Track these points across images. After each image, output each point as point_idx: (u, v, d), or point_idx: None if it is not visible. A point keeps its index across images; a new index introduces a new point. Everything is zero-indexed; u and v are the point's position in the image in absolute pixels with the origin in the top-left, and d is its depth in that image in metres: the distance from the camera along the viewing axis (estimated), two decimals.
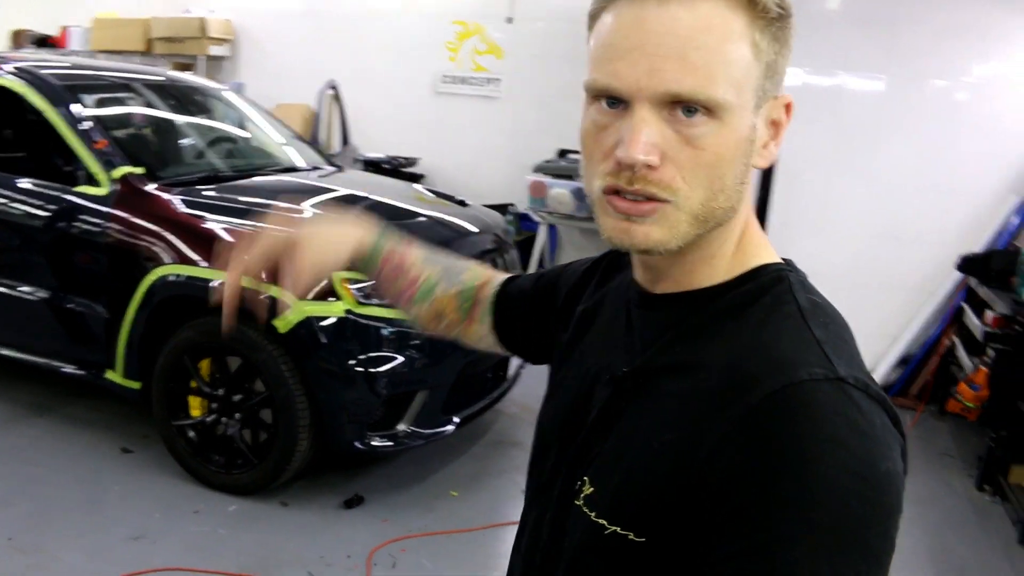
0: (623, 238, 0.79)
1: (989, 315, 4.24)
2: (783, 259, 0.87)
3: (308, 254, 1.06)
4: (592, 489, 0.83)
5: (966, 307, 4.70)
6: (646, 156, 0.74)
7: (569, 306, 1.09)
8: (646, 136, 0.74)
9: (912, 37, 5.11)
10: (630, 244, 0.79)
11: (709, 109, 0.74)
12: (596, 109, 0.79)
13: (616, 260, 1.06)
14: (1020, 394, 3.80)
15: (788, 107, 0.83)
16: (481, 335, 1.25)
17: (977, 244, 5.07)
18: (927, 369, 5.12)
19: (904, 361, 5.25)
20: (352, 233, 1.16)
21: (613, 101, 0.77)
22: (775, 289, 0.82)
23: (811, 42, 5.26)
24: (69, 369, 3.74)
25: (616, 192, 0.78)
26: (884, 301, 5.30)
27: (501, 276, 1.28)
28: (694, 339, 0.82)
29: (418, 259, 1.22)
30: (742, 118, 0.76)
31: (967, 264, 4.83)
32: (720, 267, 0.85)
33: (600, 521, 0.81)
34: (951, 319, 5.05)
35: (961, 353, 4.61)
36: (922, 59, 5.12)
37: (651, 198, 0.76)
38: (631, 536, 0.78)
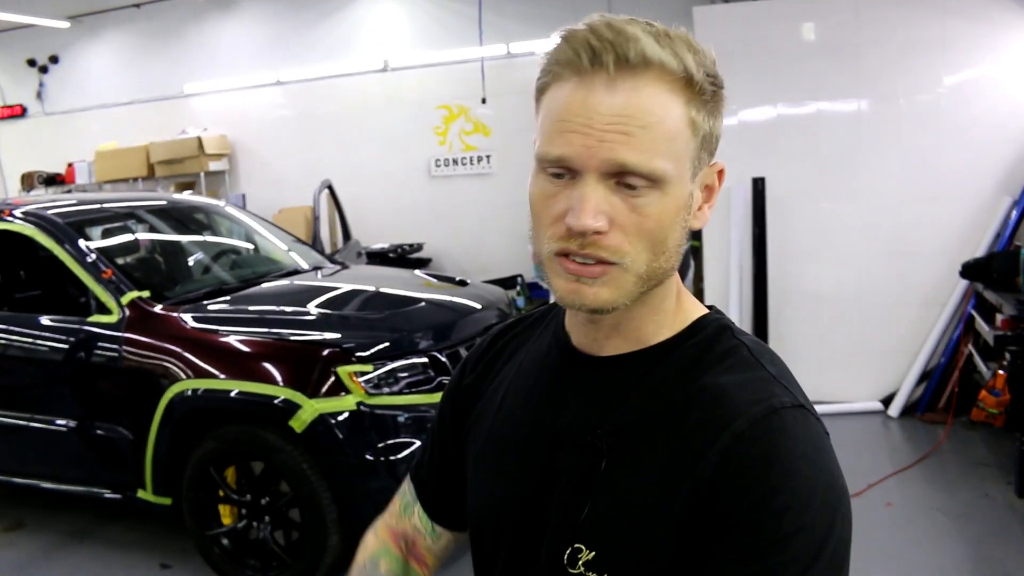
0: (574, 298, 0.84)
1: (999, 318, 4.23)
2: (708, 306, 0.96)
3: None
4: (593, 553, 0.85)
5: (975, 314, 4.69)
6: (595, 222, 0.80)
7: (470, 399, 1.09)
8: (594, 204, 0.80)
9: (878, 58, 5.21)
10: (581, 304, 0.84)
11: (651, 180, 0.80)
12: (545, 178, 0.84)
13: (504, 334, 1.11)
14: None
15: (720, 173, 0.90)
16: (443, 541, 1.16)
17: (979, 249, 5.08)
18: (950, 381, 5.08)
19: (926, 375, 5.23)
20: None
21: (561, 173, 0.82)
22: (722, 337, 0.91)
23: (781, 76, 5.38)
24: (105, 493, 3.82)
25: (566, 255, 0.83)
26: (898, 317, 5.30)
27: (400, 496, 1.21)
28: (662, 392, 0.88)
29: None
30: (680, 187, 0.83)
31: (969, 270, 4.83)
32: (665, 322, 0.91)
33: None
34: (965, 327, 5.03)
35: (979, 360, 4.58)
36: (891, 78, 5.20)
37: (601, 261, 0.82)
38: None
